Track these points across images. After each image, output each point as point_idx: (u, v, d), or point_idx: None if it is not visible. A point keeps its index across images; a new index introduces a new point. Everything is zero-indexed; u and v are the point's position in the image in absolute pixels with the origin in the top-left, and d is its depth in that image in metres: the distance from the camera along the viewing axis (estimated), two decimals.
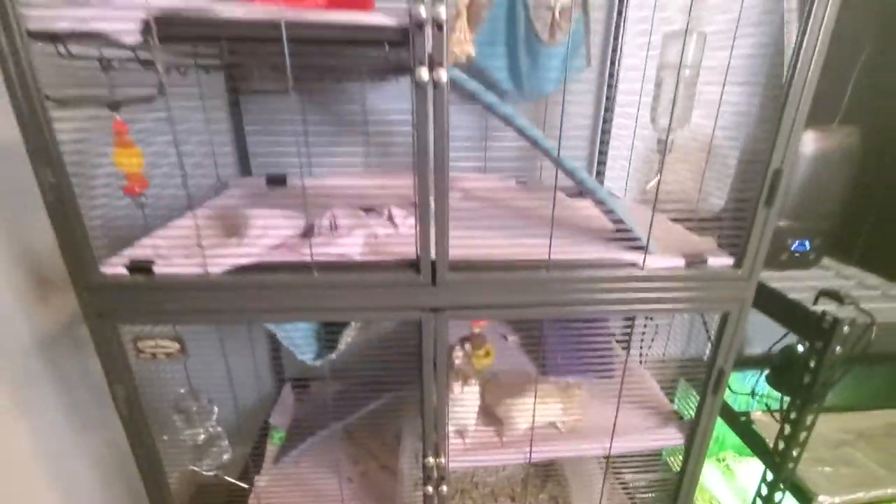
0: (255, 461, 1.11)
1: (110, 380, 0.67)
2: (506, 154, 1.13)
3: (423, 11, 0.49)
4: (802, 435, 0.86)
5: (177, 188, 0.69)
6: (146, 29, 0.50)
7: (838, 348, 0.78)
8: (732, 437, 1.53)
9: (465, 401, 0.80)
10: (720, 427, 1.53)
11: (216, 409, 0.88)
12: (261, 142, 1.13)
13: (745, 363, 1.43)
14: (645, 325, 1.19)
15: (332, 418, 1.12)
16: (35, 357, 0.89)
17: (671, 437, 0.82)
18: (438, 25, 0.50)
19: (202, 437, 0.88)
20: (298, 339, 0.83)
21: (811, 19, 0.56)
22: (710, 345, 0.76)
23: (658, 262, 0.68)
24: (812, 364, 0.82)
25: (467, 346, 0.85)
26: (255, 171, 1.14)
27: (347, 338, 0.83)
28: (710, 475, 1.49)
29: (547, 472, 1.09)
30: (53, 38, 0.52)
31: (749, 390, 1.37)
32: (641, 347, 1.23)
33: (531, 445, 0.79)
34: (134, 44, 0.51)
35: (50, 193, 0.56)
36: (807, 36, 0.57)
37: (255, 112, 1.10)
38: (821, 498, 0.94)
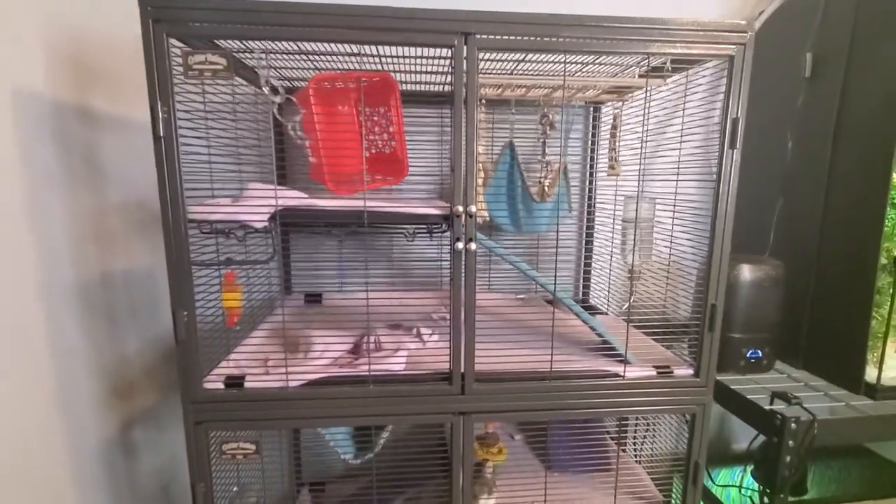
0: None
1: (194, 479, 0.81)
2: (506, 274, 1.37)
3: (460, 209, 0.74)
4: None
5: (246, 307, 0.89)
6: (272, 218, 0.74)
7: (790, 442, 0.95)
8: None
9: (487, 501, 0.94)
10: None
11: None
12: (302, 270, 1.35)
13: (730, 460, 1.56)
14: (636, 425, 1.34)
15: None
16: (94, 463, 1.02)
17: None
18: (469, 214, 0.75)
19: None
20: (341, 440, 0.98)
21: (720, 195, 0.82)
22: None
23: (635, 371, 0.88)
24: (774, 454, 0.98)
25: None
26: (295, 289, 1.36)
27: (382, 439, 0.98)
28: None
29: None
30: (202, 223, 0.76)
31: (737, 484, 1.49)
32: (635, 446, 1.36)
33: None
34: (261, 228, 0.74)
35: (181, 329, 0.75)
36: (718, 207, 0.83)
37: (298, 243, 1.34)
38: None
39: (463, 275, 0.78)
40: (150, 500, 1.26)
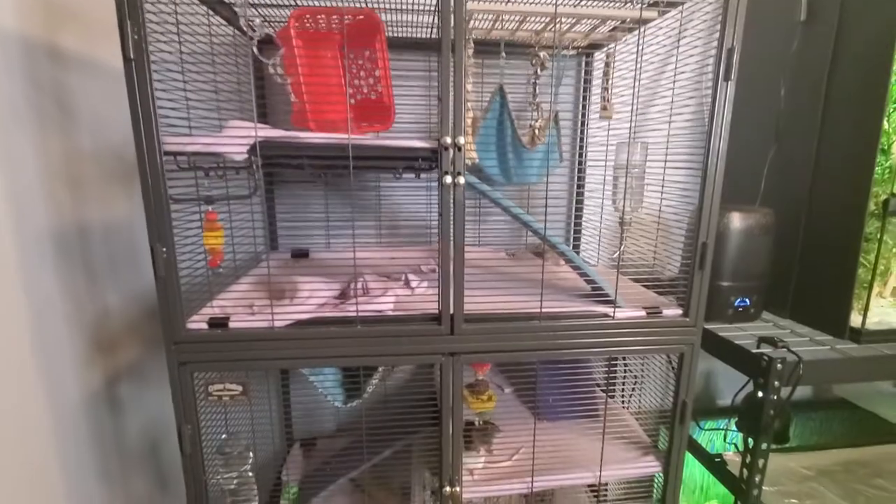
0: None
1: (180, 421, 0.80)
2: (496, 227, 1.35)
3: (448, 140, 0.72)
4: (760, 461, 1.01)
5: (229, 261, 0.87)
6: (251, 150, 0.71)
7: (776, 383, 0.96)
8: (715, 488, 1.64)
9: (477, 459, 0.94)
10: (703, 478, 1.65)
11: (251, 455, 0.98)
12: (287, 222, 1.33)
13: (715, 412, 1.59)
14: (625, 375, 1.36)
15: (343, 471, 1.21)
16: (78, 417, 1.00)
17: (650, 465, 0.96)
18: (458, 147, 0.73)
19: (235, 481, 0.98)
20: (330, 387, 0.97)
21: (713, 130, 0.81)
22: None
23: (625, 313, 0.87)
24: (760, 397, 0.99)
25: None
26: (281, 245, 1.33)
27: (371, 386, 0.98)
28: None
29: None
30: (179, 155, 0.73)
31: (722, 436, 1.52)
32: (623, 396, 1.38)
33: (532, 477, 0.92)
34: (241, 161, 0.71)
35: (161, 266, 0.73)
36: (711, 144, 0.81)
37: (283, 197, 1.31)
38: None
39: (452, 212, 0.76)
40: (138, 459, 1.25)
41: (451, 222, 0.76)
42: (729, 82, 0.79)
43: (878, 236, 1.05)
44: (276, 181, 1.30)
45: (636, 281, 1.10)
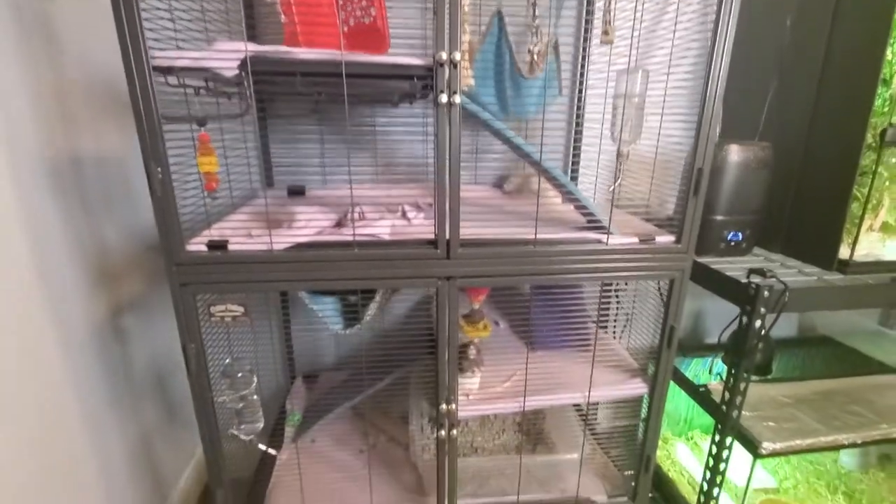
0: (273, 442, 1.24)
1: (184, 340, 0.82)
2: (492, 166, 1.35)
3: (444, 55, 0.70)
4: (742, 384, 1.06)
5: (224, 194, 0.88)
6: (242, 66, 0.70)
7: (762, 309, 0.99)
8: (699, 419, 1.73)
9: (473, 380, 0.98)
10: (688, 410, 1.73)
11: (256, 379, 1.03)
12: (283, 159, 1.31)
13: (703, 349, 1.64)
14: (616, 312, 1.39)
15: (344, 399, 1.26)
16: (86, 346, 1.03)
17: (637, 387, 1.01)
18: (454, 64, 0.72)
19: (241, 404, 1.03)
20: (329, 313, 1.00)
21: (715, 56, 0.79)
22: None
23: (618, 240, 0.89)
24: (744, 323, 1.03)
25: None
26: (277, 184, 1.33)
27: (370, 312, 1.00)
28: (681, 451, 1.67)
29: (536, 438, 1.26)
30: (169, 71, 0.71)
31: (708, 370, 1.58)
32: (615, 333, 1.42)
33: (525, 397, 0.97)
34: (231, 77, 0.70)
35: (157, 186, 0.73)
36: (713, 67, 0.80)
37: (278, 132, 1.29)
38: (764, 444, 1.13)
39: (448, 131, 0.76)
40: (147, 389, 1.30)
41: (447, 145, 0.76)
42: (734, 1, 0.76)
43: (874, 168, 1.05)
44: (270, 114, 1.27)
45: (632, 213, 1.11)
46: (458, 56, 0.71)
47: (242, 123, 0.79)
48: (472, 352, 0.98)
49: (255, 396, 1.04)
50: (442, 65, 0.71)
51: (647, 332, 1.10)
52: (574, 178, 1.29)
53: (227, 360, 0.99)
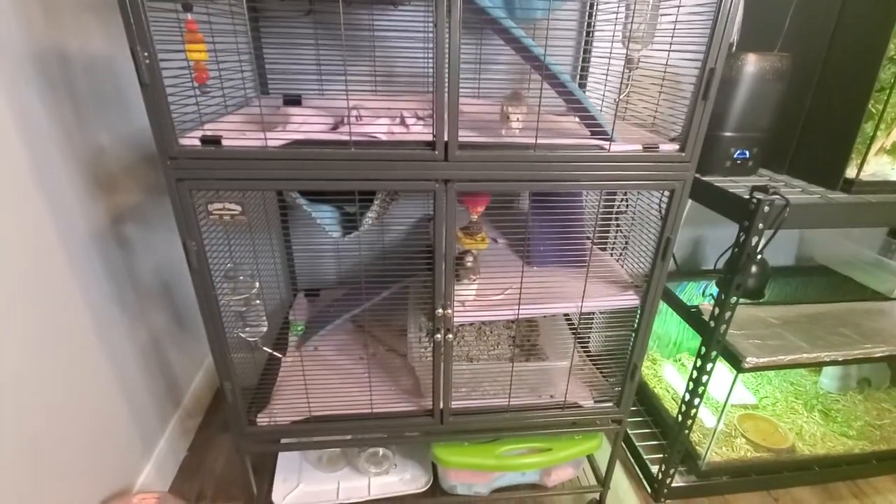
0: (277, 348, 1.29)
1: (184, 237, 0.83)
2: (495, 80, 1.29)
3: None
4: (732, 300, 1.08)
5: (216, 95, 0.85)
6: None
7: (760, 225, 0.99)
8: (688, 342, 1.79)
9: (469, 287, 1.00)
10: (678, 334, 1.78)
11: (257, 284, 1.05)
12: (277, 65, 1.26)
13: (698, 275, 1.67)
14: (615, 235, 1.39)
15: (345, 311, 1.30)
16: (89, 249, 1.05)
17: (630, 298, 1.03)
18: None
19: (244, 307, 1.06)
20: (328, 220, 1.00)
21: None
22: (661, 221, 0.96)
23: (620, 146, 0.86)
24: (741, 239, 1.03)
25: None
26: (273, 93, 1.28)
27: (368, 219, 1.01)
28: (668, 371, 1.74)
29: (530, 351, 1.31)
30: None
31: (701, 293, 1.61)
32: (612, 253, 1.43)
33: (519, 305, 0.99)
34: None
35: (146, 73, 0.70)
36: None
37: (272, 37, 1.23)
38: (748, 359, 1.17)
39: (447, 22, 0.71)
40: (154, 296, 1.34)
41: (447, 39, 0.72)
42: None
43: (892, 81, 1.00)
44: (262, 16, 1.20)
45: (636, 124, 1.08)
46: None
47: (234, 24, 0.74)
48: (468, 260, 0.99)
49: (257, 301, 1.07)
50: None
51: (644, 259, 1.10)
52: (583, 88, 1.24)
53: (229, 265, 1.01)
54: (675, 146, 0.88)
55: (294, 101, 1.24)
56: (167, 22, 0.75)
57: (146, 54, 0.70)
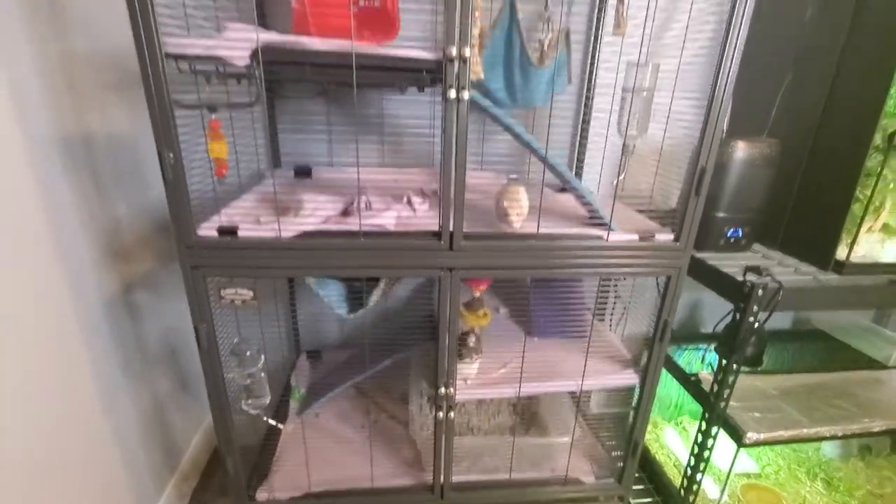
0: (278, 416, 1.29)
1: (196, 320, 0.86)
2: (499, 152, 1.35)
3: (453, 51, 0.70)
4: (730, 378, 1.09)
5: (232, 175, 0.90)
6: (253, 55, 0.70)
7: (755, 307, 1.02)
8: (688, 405, 1.78)
9: (471, 366, 1.02)
10: (679, 396, 1.78)
11: (263, 357, 1.07)
12: (289, 139, 1.32)
13: (697, 339, 1.68)
14: (614, 303, 1.42)
15: (347, 377, 1.31)
16: (100, 317, 1.07)
17: (629, 377, 1.05)
18: (463, 60, 0.72)
19: (249, 380, 1.07)
20: (335, 298, 1.03)
21: (727, 49, 0.79)
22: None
23: (618, 236, 0.90)
24: (738, 319, 1.06)
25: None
26: (284, 163, 1.34)
27: (374, 298, 1.03)
28: (670, 435, 1.73)
29: (530, 422, 1.31)
30: (181, 58, 0.71)
31: (700, 359, 1.62)
32: (611, 323, 1.46)
33: (520, 383, 1.00)
34: (243, 66, 0.71)
35: (169, 171, 0.75)
36: (721, 72, 0.80)
37: (286, 113, 1.29)
38: (749, 434, 1.17)
39: (455, 127, 0.76)
40: (159, 362, 1.35)
41: (454, 140, 0.77)
42: None
43: (879, 170, 1.05)
44: (278, 95, 1.27)
45: (635, 208, 1.12)
46: (468, 52, 0.71)
47: (252, 112, 0.80)
48: (471, 340, 1.01)
49: (262, 374, 1.08)
50: (451, 60, 0.72)
51: (642, 322, 1.13)
52: (580, 169, 1.30)
53: (236, 340, 1.03)
54: (670, 236, 0.92)
55: (305, 171, 1.30)
56: (192, 119, 0.80)
57: (171, 155, 0.74)
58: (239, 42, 0.69)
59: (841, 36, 1.08)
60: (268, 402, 1.12)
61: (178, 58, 0.70)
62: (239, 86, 1.01)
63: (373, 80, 0.78)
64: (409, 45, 0.74)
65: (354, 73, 0.72)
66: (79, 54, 1.00)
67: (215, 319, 0.89)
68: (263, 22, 1.10)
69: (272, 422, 1.18)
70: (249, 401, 1.09)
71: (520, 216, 0.89)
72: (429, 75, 0.76)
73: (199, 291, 0.83)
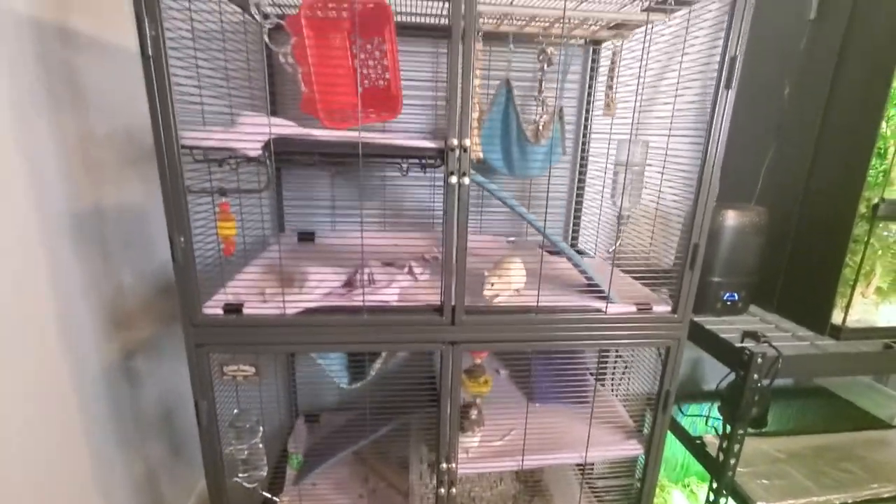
0: (274, 484, 1.26)
1: (197, 397, 0.85)
2: (498, 216, 1.39)
3: (454, 141, 0.74)
4: (736, 447, 1.08)
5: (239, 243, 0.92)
6: (265, 146, 0.74)
7: (755, 376, 1.02)
8: (695, 466, 1.74)
9: (472, 438, 1.01)
10: (685, 457, 1.74)
11: (262, 429, 1.05)
12: (294, 205, 1.36)
13: (699, 396, 1.66)
14: (615, 362, 1.42)
15: (345, 443, 1.28)
16: (98, 386, 1.07)
17: (633, 448, 1.03)
18: (464, 149, 0.76)
19: (246, 452, 1.05)
20: (336, 368, 1.03)
21: (711, 137, 0.84)
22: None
23: (617, 308, 0.92)
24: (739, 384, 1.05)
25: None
26: (288, 228, 1.37)
27: (375, 368, 1.03)
28: (677, 498, 1.68)
29: (534, 490, 1.28)
30: (196, 149, 0.75)
31: (704, 420, 1.60)
32: (612, 382, 1.45)
33: (523, 455, 0.99)
34: (255, 156, 0.74)
35: (180, 255, 0.77)
36: (708, 150, 0.84)
37: (291, 181, 1.33)
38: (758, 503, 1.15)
39: (455, 209, 0.80)
40: (152, 427, 1.33)
41: (455, 222, 0.80)
42: (730, 90, 0.81)
43: (866, 239, 1.09)
44: (285, 169, 1.32)
45: (631, 272, 1.14)
46: (468, 142, 0.75)
47: (261, 192, 0.83)
48: (473, 413, 1.01)
49: (260, 445, 1.06)
50: (453, 149, 0.76)
51: (644, 380, 1.12)
52: (576, 233, 1.33)
53: (235, 411, 1.02)
54: (668, 307, 0.94)
55: (308, 237, 1.33)
56: (203, 203, 0.83)
57: (182, 238, 0.77)
58: (252, 135, 0.73)
59: (818, 112, 1.14)
60: (265, 474, 1.09)
61: (193, 149, 0.74)
62: (249, 163, 1.05)
63: (378, 160, 0.81)
64: (410, 124, 0.78)
65: (360, 159, 0.76)
66: (97, 134, 1.05)
67: (215, 390, 0.89)
68: (272, 96, 1.16)
69: (268, 495, 1.14)
70: (246, 473, 1.06)
71: (498, 290, 0.90)
72: (431, 159, 0.80)
73: (202, 368, 0.84)
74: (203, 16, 0.85)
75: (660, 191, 1.02)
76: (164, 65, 0.69)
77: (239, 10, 1.01)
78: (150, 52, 0.68)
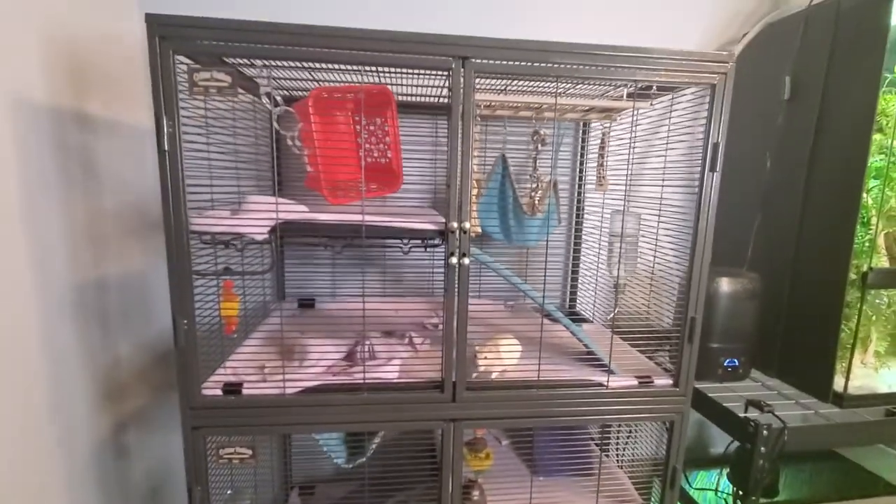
0: None
1: (191, 483, 0.83)
2: (497, 281, 1.40)
3: (454, 224, 0.77)
4: None
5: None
6: (272, 230, 0.77)
7: (762, 448, 1.00)
8: None
9: None
10: None
11: None
12: (295, 271, 1.37)
13: (707, 463, 1.62)
14: (619, 430, 1.39)
15: None
16: (87, 466, 1.03)
17: None
18: (463, 230, 0.79)
19: None
20: (334, 446, 1.01)
21: (700, 216, 0.87)
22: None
23: (618, 381, 0.92)
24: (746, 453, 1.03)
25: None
26: (288, 294, 1.37)
27: (373, 446, 1.01)
28: None
29: None
30: (204, 234, 0.78)
31: (713, 487, 1.55)
32: (617, 450, 1.41)
33: None
34: (262, 240, 0.77)
35: (182, 338, 0.77)
36: (699, 229, 0.87)
37: (292, 249, 1.36)
38: None
39: (455, 287, 0.81)
40: (140, 502, 1.27)
41: (456, 300, 0.81)
42: (715, 173, 0.85)
43: (859, 306, 1.10)
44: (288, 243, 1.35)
45: (630, 335, 1.14)
46: (467, 225, 0.78)
47: (265, 273, 0.85)
48: (475, 494, 0.98)
49: None
50: (453, 231, 0.78)
51: (650, 443, 1.09)
52: (573, 299, 1.34)
53: (229, 492, 0.98)
54: (669, 381, 0.93)
55: (308, 303, 1.33)
56: (208, 284, 0.84)
57: (185, 321, 0.77)
58: (258, 221, 0.76)
59: (800, 181, 1.19)
60: None
61: (201, 234, 0.76)
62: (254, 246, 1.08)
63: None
64: (411, 210, 0.81)
65: (364, 240, 0.78)
66: (105, 208, 1.08)
67: (210, 473, 0.86)
68: (278, 167, 1.20)
69: None
70: None
71: (489, 367, 0.90)
72: (431, 239, 0.82)
73: (197, 452, 0.82)
74: (215, 102, 0.91)
75: (654, 256, 1.04)
76: (178, 158, 0.72)
77: (249, 96, 1.07)
78: (165, 147, 0.71)
